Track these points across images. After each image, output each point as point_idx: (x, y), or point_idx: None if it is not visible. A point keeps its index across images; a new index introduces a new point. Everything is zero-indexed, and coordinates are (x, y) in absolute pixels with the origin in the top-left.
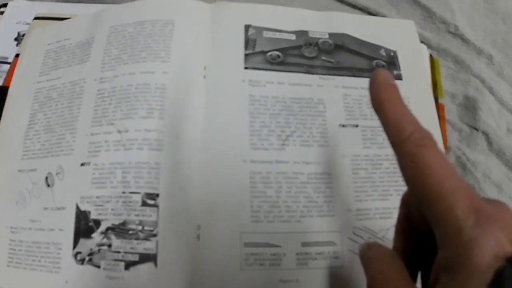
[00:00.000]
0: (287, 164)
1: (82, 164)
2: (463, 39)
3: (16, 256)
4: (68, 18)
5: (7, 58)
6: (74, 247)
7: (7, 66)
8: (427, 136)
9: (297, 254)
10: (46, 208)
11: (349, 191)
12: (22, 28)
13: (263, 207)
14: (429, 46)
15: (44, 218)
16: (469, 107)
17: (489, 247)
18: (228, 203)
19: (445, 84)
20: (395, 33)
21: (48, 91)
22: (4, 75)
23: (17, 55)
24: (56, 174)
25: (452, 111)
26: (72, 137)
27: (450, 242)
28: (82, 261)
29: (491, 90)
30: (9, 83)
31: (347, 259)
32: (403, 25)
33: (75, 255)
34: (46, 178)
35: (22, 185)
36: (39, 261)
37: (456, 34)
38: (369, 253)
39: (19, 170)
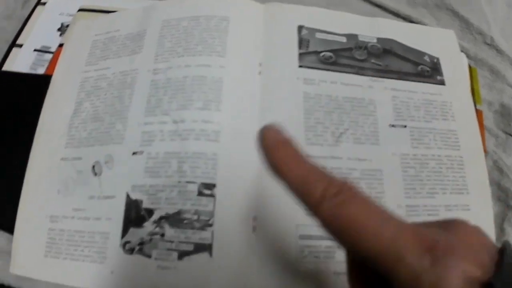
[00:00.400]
0: (341, 160)
1: (134, 153)
2: (498, 50)
3: (55, 246)
4: (112, 11)
5: (49, 47)
6: (123, 236)
7: (50, 56)
8: (343, 187)
9: None
10: (92, 197)
11: (399, 188)
12: (65, 19)
13: None
14: (467, 56)
15: (90, 207)
16: (505, 114)
17: (457, 282)
18: (284, 195)
19: (482, 92)
20: (437, 41)
21: (96, 80)
22: (46, 64)
23: (60, 45)
24: (105, 163)
25: (488, 118)
26: (123, 126)
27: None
28: (131, 251)
29: None
30: (52, 72)
31: None
32: (444, 34)
33: (124, 245)
34: (93, 166)
35: (65, 173)
36: (82, 250)
37: (492, 45)
38: None
39: (62, 159)
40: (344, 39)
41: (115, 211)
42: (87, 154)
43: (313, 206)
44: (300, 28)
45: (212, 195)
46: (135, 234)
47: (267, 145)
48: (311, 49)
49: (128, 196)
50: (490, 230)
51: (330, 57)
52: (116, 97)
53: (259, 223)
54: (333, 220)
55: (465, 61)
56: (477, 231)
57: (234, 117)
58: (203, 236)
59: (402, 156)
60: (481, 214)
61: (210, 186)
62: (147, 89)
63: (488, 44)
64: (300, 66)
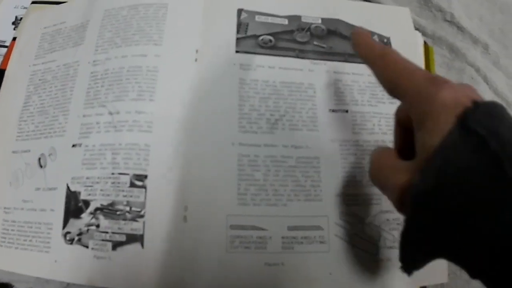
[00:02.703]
0: (275, 148)
1: (73, 145)
2: (459, 28)
3: (8, 236)
4: (64, 2)
5: (4, 41)
6: (64, 227)
7: (5, 50)
8: (387, 48)
9: (282, 237)
10: (38, 189)
11: (337, 176)
12: (20, 12)
13: (250, 190)
14: (424, 34)
15: (36, 199)
16: None
17: (447, 95)
18: (215, 185)
19: (440, 72)
20: (389, 20)
21: (43, 73)
22: (1, 58)
23: (14, 39)
24: (49, 155)
25: None
26: (64, 118)
27: (415, 103)
28: (71, 241)
29: (485, 79)
30: (6, 66)
31: (333, 244)
32: (397, 12)
33: (65, 235)
34: (39, 159)
35: (16, 166)
36: (30, 240)
37: (452, 22)
38: (373, 152)
39: (13, 151)
40: (285, 21)
41: (57, 203)
42: (34, 146)
43: (372, 56)
44: (240, 11)
45: (143, 186)
46: (74, 225)
47: (357, 33)
48: (249, 33)
49: (68, 187)
50: None
51: (270, 40)
52: (60, 90)
53: (189, 213)
54: (381, 60)
55: (419, 40)
56: (475, 91)
57: (167, 107)
58: (134, 227)
59: (341, 142)
60: None
61: (142, 178)
62: (87, 81)
63: (448, 21)
64: (237, 52)
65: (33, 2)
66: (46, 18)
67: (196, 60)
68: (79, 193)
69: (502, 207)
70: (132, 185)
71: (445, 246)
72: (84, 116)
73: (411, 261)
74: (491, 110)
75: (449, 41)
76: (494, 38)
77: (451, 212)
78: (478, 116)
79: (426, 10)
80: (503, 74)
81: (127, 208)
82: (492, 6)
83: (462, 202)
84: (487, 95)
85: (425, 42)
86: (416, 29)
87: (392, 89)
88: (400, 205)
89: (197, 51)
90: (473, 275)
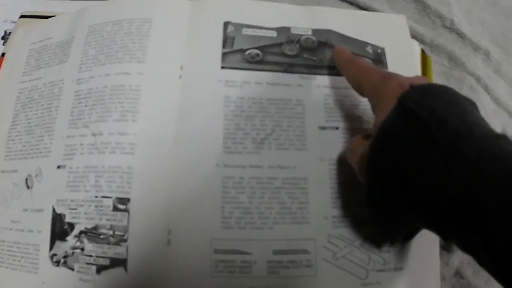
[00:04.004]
0: (261, 169)
1: (58, 167)
2: (459, 34)
3: None
4: (52, 16)
5: None
6: (51, 249)
7: None
8: (356, 56)
9: (268, 262)
10: (25, 210)
11: (326, 197)
12: (9, 27)
13: (235, 213)
14: (422, 42)
15: (24, 219)
16: None
17: (393, 84)
18: (199, 208)
19: (438, 81)
20: (384, 29)
21: (30, 91)
22: None
23: (3, 54)
24: (35, 176)
25: None
26: (50, 139)
27: (372, 95)
28: (57, 263)
29: (486, 89)
30: None
31: (321, 268)
32: (393, 20)
33: (51, 257)
34: (26, 179)
35: (5, 186)
36: (19, 261)
37: (452, 29)
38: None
39: (2, 171)
40: (274, 34)
41: (44, 224)
42: (21, 166)
43: (343, 64)
44: (226, 24)
45: (126, 210)
46: (60, 247)
47: (337, 51)
48: (236, 47)
49: (54, 210)
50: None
51: (257, 54)
52: (45, 109)
53: (173, 237)
54: (346, 66)
55: (417, 49)
56: (425, 79)
57: (150, 128)
58: (118, 251)
59: (331, 161)
60: None
61: (125, 201)
62: (71, 100)
63: (447, 28)
64: (223, 67)
65: (21, 16)
66: (33, 33)
67: (180, 77)
68: (64, 215)
69: (430, 162)
70: (115, 208)
71: (404, 204)
72: (68, 136)
73: (386, 224)
74: (425, 90)
75: (448, 49)
76: (496, 44)
77: (396, 170)
78: (413, 96)
79: (425, 17)
80: (505, 82)
81: (110, 232)
82: (495, 9)
83: (401, 160)
84: (488, 106)
85: (422, 51)
86: (414, 37)
87: (358, 88)
88: (361, 173)
89: (181, 67)
90: (444, 238)
